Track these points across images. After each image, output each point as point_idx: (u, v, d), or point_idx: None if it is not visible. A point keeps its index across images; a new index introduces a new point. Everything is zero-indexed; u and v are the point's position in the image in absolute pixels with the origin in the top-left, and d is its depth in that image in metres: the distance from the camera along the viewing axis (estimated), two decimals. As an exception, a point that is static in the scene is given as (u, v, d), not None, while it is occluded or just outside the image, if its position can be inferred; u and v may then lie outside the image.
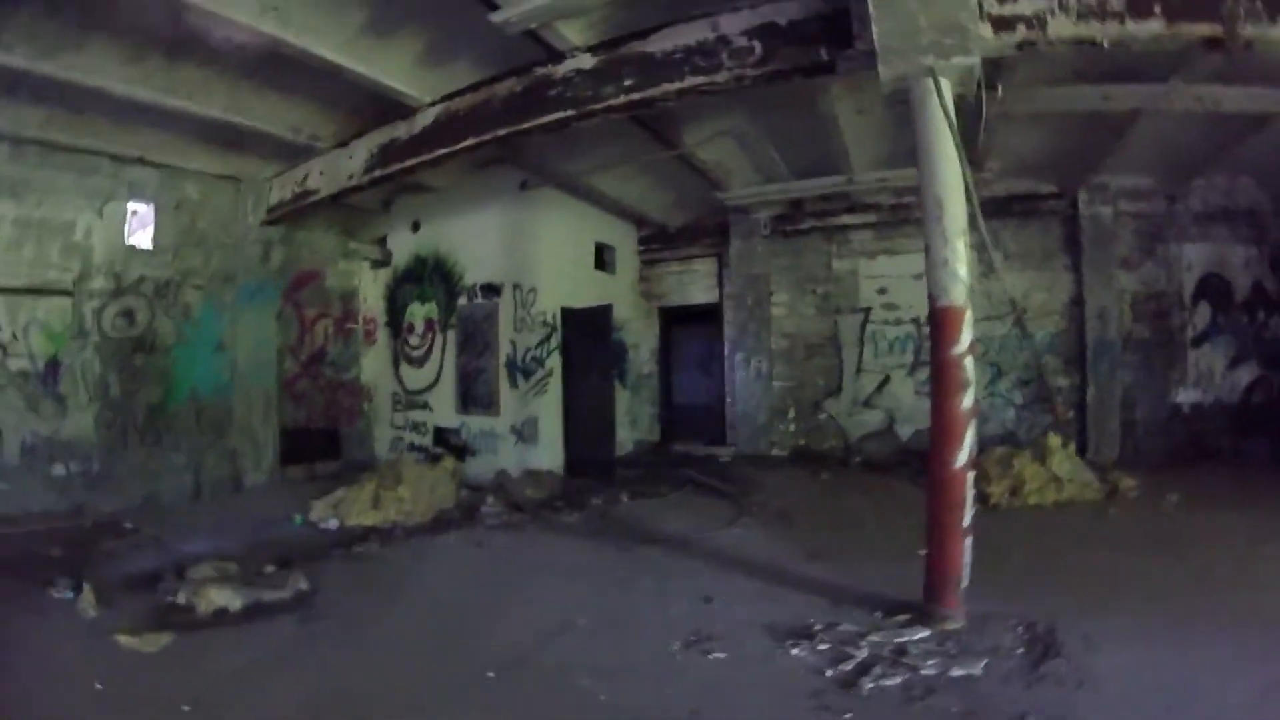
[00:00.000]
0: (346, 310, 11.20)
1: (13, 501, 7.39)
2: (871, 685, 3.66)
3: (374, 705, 3.65)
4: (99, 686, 3.84)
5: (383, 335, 11.43)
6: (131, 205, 8.51)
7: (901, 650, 4.06)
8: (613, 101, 6.07)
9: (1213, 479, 8.49)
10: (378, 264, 11.39)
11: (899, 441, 10.96)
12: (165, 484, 8.63)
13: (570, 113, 6.31)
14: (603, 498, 8.86)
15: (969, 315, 4.56)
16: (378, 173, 7.90)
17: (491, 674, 3.96)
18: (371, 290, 11.51)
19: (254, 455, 9.44)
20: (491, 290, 10.04)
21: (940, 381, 4.62)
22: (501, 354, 9.88)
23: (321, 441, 10.63)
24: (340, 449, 10.93)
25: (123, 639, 4.39)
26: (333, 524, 7.64)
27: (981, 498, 7.11)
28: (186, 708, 3.59)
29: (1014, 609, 4.55)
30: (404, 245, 11.18)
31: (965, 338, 4.52)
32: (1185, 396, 9.95)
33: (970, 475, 4.55)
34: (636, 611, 5.02)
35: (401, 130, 7.62)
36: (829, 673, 3.85)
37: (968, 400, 4.52)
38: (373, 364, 11.49)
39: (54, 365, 7.79)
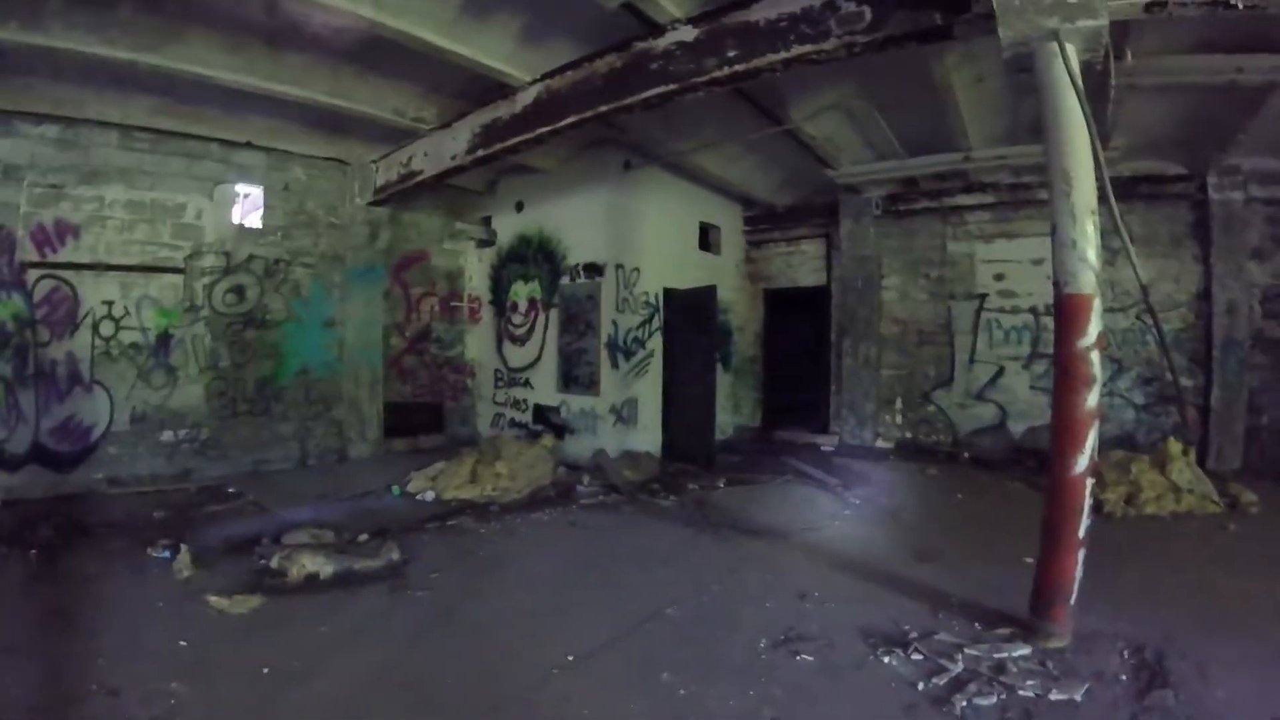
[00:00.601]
0: (452, 289, 11.34)
1: (122, 466, 7.91)
2: (965, 704, 3.47)
3: (448, 687, 3.63)
4: (183, 644, 3.98)
5: (487, 314, 11.53)
6: (240, 187, 8.86)
7: (1000, 667, 3.84)
8: (715, 74, 5.78)
9: None
10: (483, 244, 11.47)
11: (1011, 438, 10.39)
12: (272, 453, 9.03)
13: (672, 87, 6.08)
14: (700, 483, 8.74)
15: (1098, 304, 4.16)
16: (480, 152, 7.86)
17: (571, 658, 3.94)
18: (476, 270, 11.62)
19: (359, 428, 9.71)
20: (594, 270, 9.94)
21: (1063, 377, 4.25)
22: (603, 334, 9.80)
23: (425, 416, 10.86)
24: (444, 424, 11.13)
25: (213, 600, 4.56)
26: (429, 496, 7.77)
27: (1095, 504, 6.62)
28: (266, 670, 3.71)
29: (1123, 628, 4.30)
30: (508, 226, 11.23)
31: (1093, 329, 4.14)
32: (1318, 403, 9.05)
33: (1090, 482, 4.20)
34: (728, 604, 4.89)
35: (503, 110, 7.56)
36: (921, 686, 3.68)
37: (1093, 399, 4.15)
38: (477, 342, 11.63)
39: (165, 338, 8.20)
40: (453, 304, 11.32)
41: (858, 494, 8.25)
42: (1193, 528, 6.84)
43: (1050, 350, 9.80)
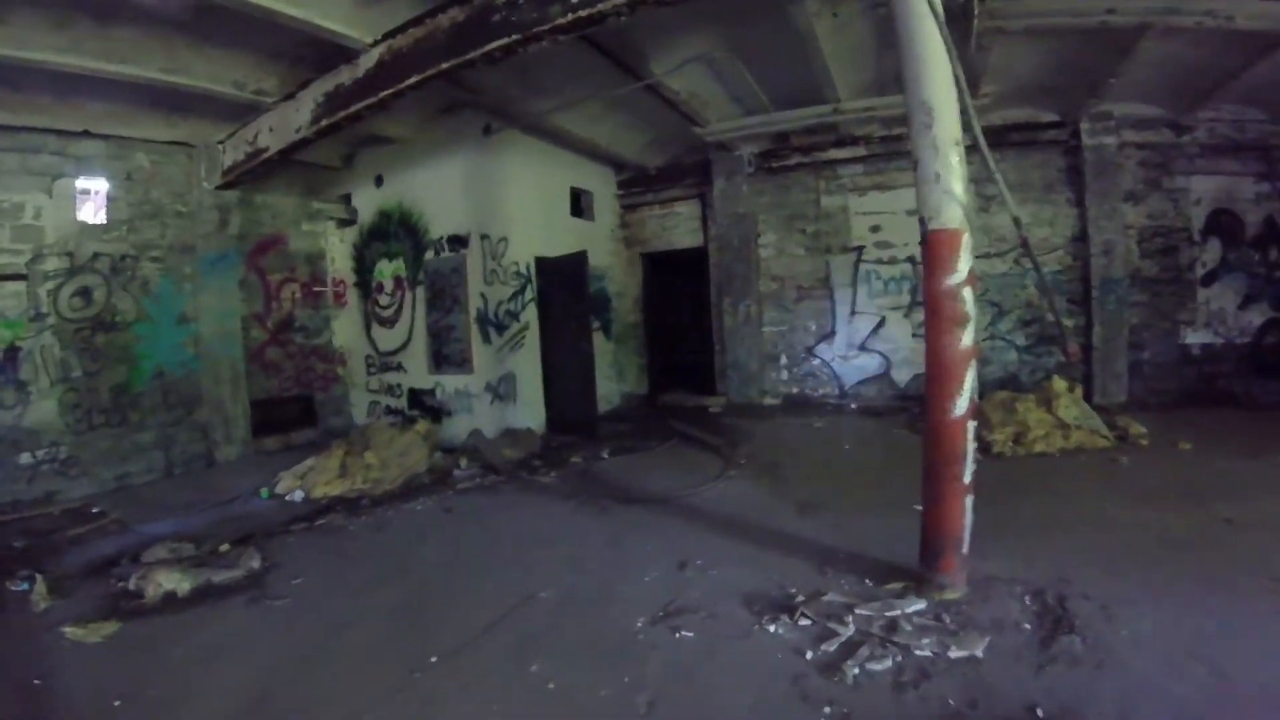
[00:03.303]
0: (314, 273, 11.40)
1: None
2: (857, 670, 3.51)
3: (303, 702, 3.66)
4: (37, 683, 4.01)
5: (353, 296, 11.60)
6: (81, 181, 8.64)
7: (893, 626, 3.90)
8: (559, 21, 5.81)
9: (1226, 424, 8.63)
10: (344, 223, 11.54)
11: (896, 386, 11.35)
12: (135, 465, 8.98)
13: (515, 37, 6.06)
14: (584, 455, 9.18)
15: (967, 239, 4.27)
16: (324, 122, 7.82)
17: (435, 659, 3.98)
18: (339, 251, 11.65)
19: (225, 429, 9.77)
20: (458, 242, 10.08)
21: (935, 317, 4.33)
22: (471, 308, 9.96)
23: (296, 411, 10.97)
24: (316, 417, 11.25)
25: (69, 630, 4.63)
26: (298, 496, 7.92)
27: (982, 446, 7.25)
28: (118, 703, 3.73)
29: (1020, 571, 4.50)
30: (369, 201, 11.28)
31: (963, 265, 4.24)
32: (1195, 337, 10.16)
33: (971, 424, 4.30)
34: (605, 581, 5.01)
35: (345, 76, 7.57)
36: (809, 654, 3.73)
37: (967, 338, 4.25)
38: (345, 327, 11.69)
39: (13, 352, 8.05)
40: (315, 289, 11.38)
41: (742, 452, 8.76)
42: (1084, 462, 7.38)
43: None
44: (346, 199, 11.59)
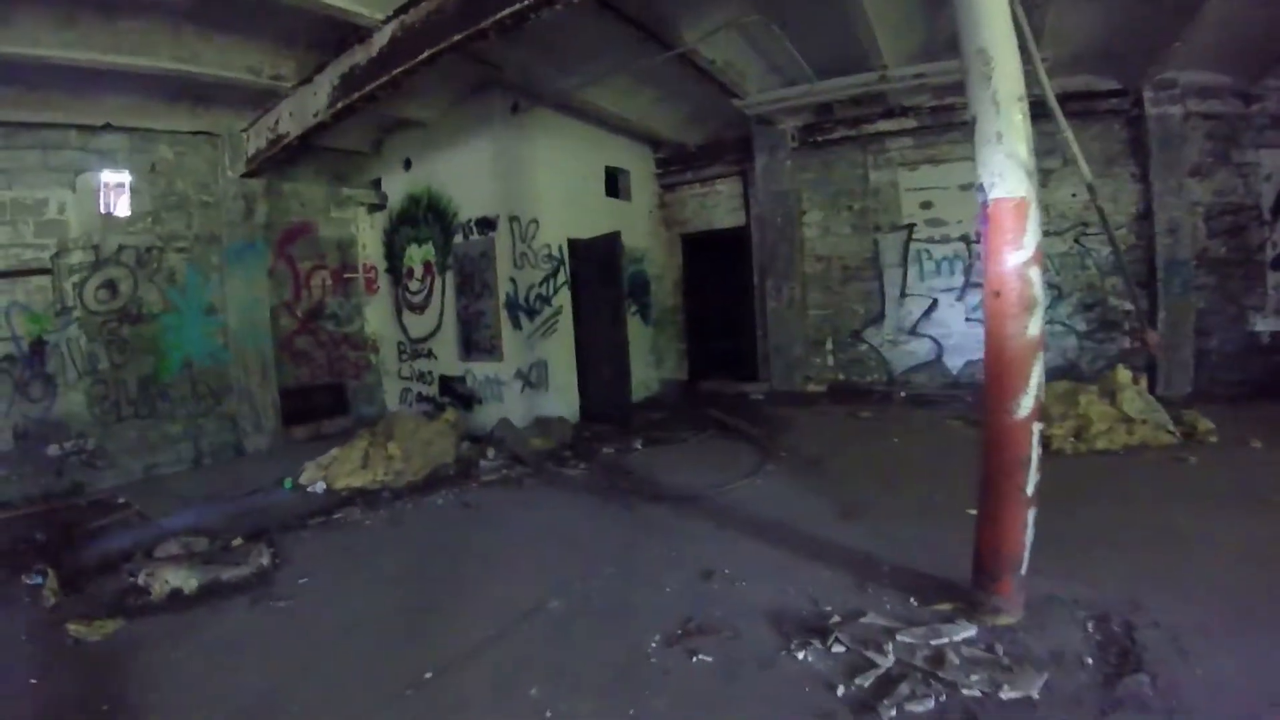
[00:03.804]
0: (344, 260, 11.46)
1: (11, 487, 7.95)
2: (894, 713, 3.12)
3: (290, 716, 3.56)
4: (34, 682, 4.03)
5: (384, 283, 11.65)
6: (104, 174, 8.78)
7: (939, 658, 3.51)
8: None
9: None
10: (374, 208, 11.57)
11: (949, 374, 10.97)
12: (163, 456, 9.13)
13: (526, 3, 5.79)
14: (615, 446, 9.01)
15: (1034, 210, 3.80)
16: (340, 104, 7.76)
17: (430, 675, 3.79)
18: (370, 237, 11.69)
19: (254, 419, 9.88)
20: (486, 225, 9.92)
21: (996, 301, 3.85)
22: (501, 293, 9.79)
23: (327, 399, 11.07)
24: (348, 405, 11.35)
25: (72, 627, 4.65)
26: (320, 488, 7.90)
27: (1041, 441, 6.86)
28: (105, 706, 3.70)
29: (1082, 591, 4.10)
30: (398, 186, 11.30)
31: (1029, 240, 3.77)
32: (1265, 325, 9.57)
33: (1037, 427, 3.84)
34: (622, 591, 4.75)
35: (360, 56, 7.47)
36: (841, 690, 3.36)
37: (1034, 325, 3.79)
38: (377, 314, 11.75)
39: (39, 345, 8.23)
40: (346, 276, 11.44)
41: (782, 444, 8.48)
42: (1149, 461, 6.92)
43: (984, 280, 10.46)
44: (376, 184, 11.62)
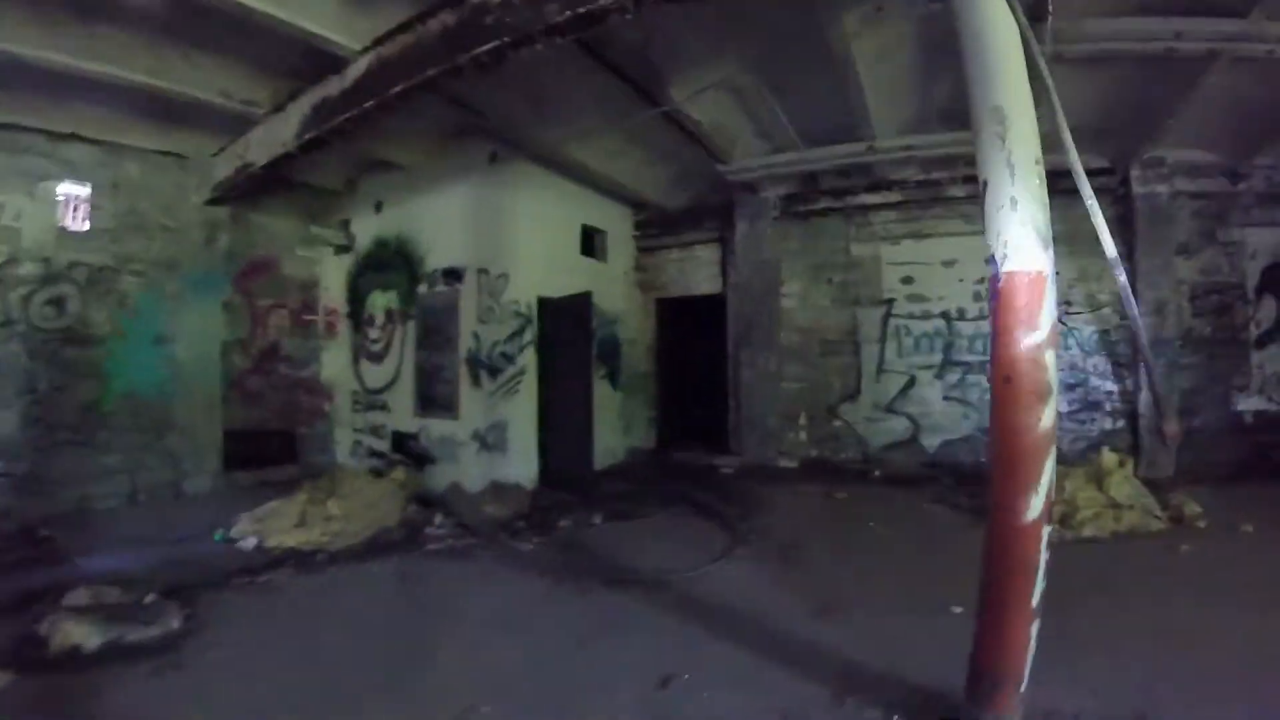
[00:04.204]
0: (305, 300, 11.51)
1: None
2: None
3: None
4: None
5: (345, 328, 11.65)
6: (65, 185, 8.83)
7: None
8: (555, 19, 5.59)
9: None
10: (341, 249, 11.65)
11: (925, 453, 11.06)
12: (99, 488, 8.97)
13: (505, 40, 5.88)
14: (574, 518, 8.85)
15: (1051, 286, 3.61)
16: (308, 136, 7.86)
17: None
18: (334, 279, 11.73)
19: (195, 459, 9.80)
20: (453, 275, 9.96)
21: (1007, 387, 3.60)
22: (462, 348, 9.80)
23: (276, 445, 10.97)
24: (297, 453, 11.25)
25: None
26: (251, 543, 7.63)
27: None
28: None
29: (1087, 701, 3.91)
30: (367, 228, 11.46)
31: (1045, 319, 3.55)
32: (1248, 404, 9.90)
33: (1047, 530, 3.61)
34: (566, 697, 4.34)
35: (334, 87, 7.54)
36: None
37: (1048, 416, 3.54)
38: (335, 360, 11.71)
39: None
40: (306, 317, 11.47)
41: (754, 525, 8.35)
42: (1140, 550, 6.89)
43: (964, 358, 10.83)
44: (345, 225, 11.71)
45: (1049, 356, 3.55)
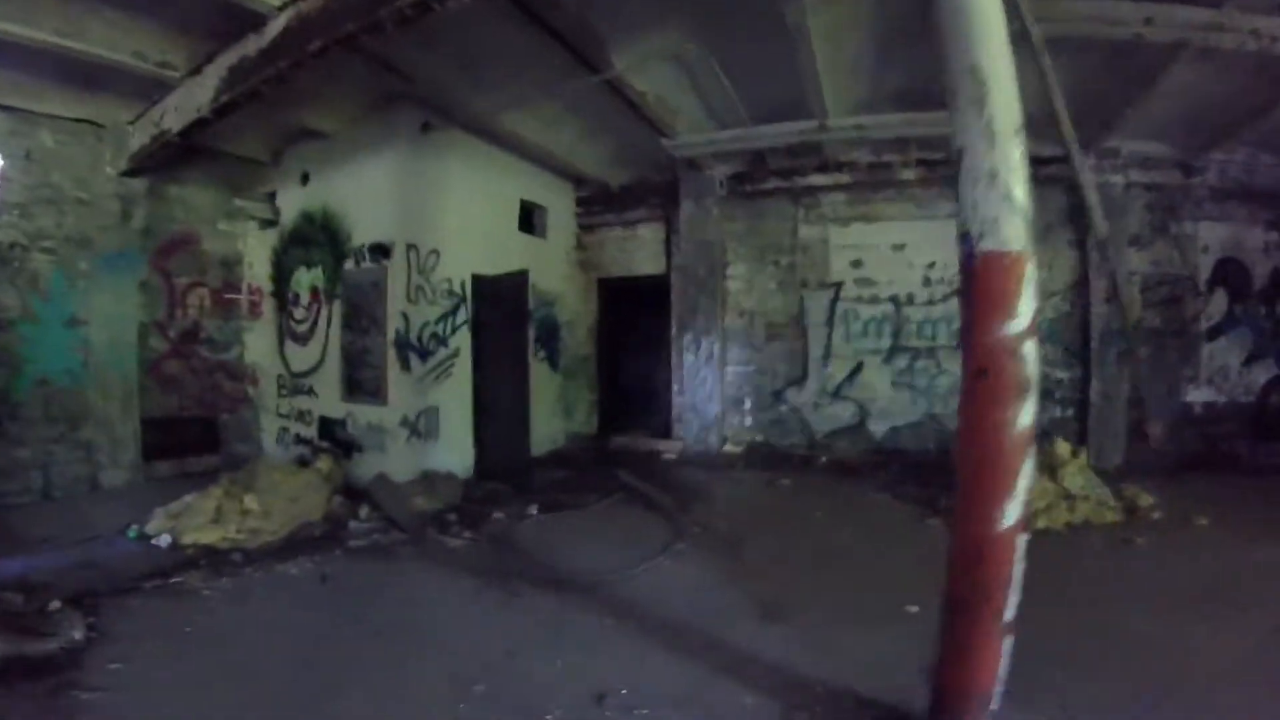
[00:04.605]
0: (227, 279, 11.32)
1: None
2: None
3: None
4: None
5: (269, 308, 11.48)
6: None
7: None
8: None
9: (1235, 493, 8.70)
10: (266, 224, 11.43)
11: (872, 439, 11.41)
12: (11, 484, 8.78)
13: None
14: (509, 511, 8.77)
15: (1031, 268, 3.41)
16: (225, 98, 7.74)
17: None
18: (258, 255, 11.49)
19: (112, 450, 9.67)
20: (380, 251, 9.65)
21: (980, 381, 3.43)
22: (390, 329, 9.54)
23: (196, 433, 10.84)
24: (220, 441, 11.13)
25: None
26: (165, 541, 7.36)
27: None
28: None
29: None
30: (293, 202, 11.12)
31: (1025, 306, 3.38)
32: (1197, 395, 10.42)
33: (1022, 540, 3.45)
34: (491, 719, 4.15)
35: (251, 46, 7.39)
36: None
37: (1026, 414, 3.39)
38: (258, 342, 11.53)
39: None
40: (228, 296, 11.29)
41: (696, 516, 8.43)
42: (1095, 543, 7.11)
43: (913, 344, 11.14)
44: (271, 197, 11.47)
45: (1029, 347, 3.37)
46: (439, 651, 5.03)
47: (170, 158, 9.46)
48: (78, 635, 5.11)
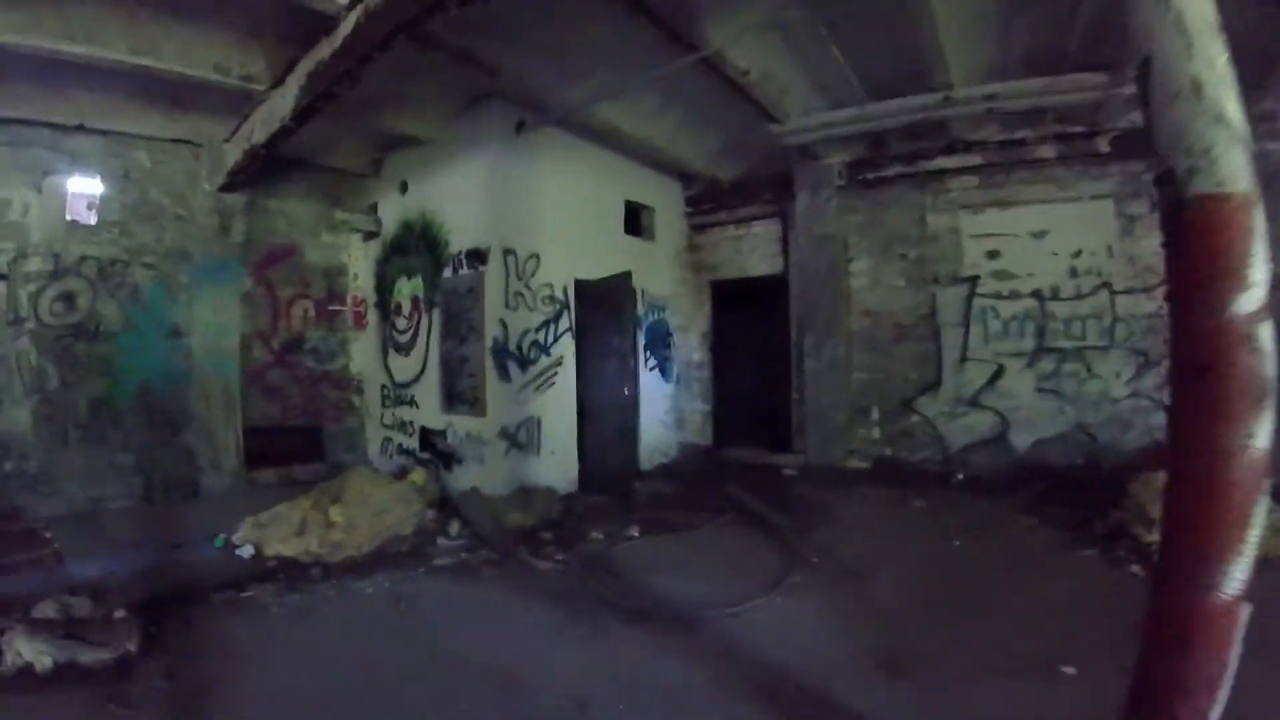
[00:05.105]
0: (331, 289, 11.68)
1: None
2: None
3: None
4: None
5: (373, 318, 11.74)
6: (73, 178, 9.15)
7: None
8: None
9: None
10: (369, 235, 11.74)
11: (1014, 453, 10.55)
12: (113, 487, 9.28)
13: None
14: (607, 530, 8.53)
15: (1260, 215, 2.56)
16: (303, 104, 7.85)
17: None
18: (362, 266, 11.82)
19: (213, 456, 10.03)
20: (476, 258, 9.67)
21: (1198, 385, 2.62)
22: (487, 337, 9.48)
23: (301, 441, 11.17)
24: (324, 450, 11.45)
25: None
26: (248, 551, 7.52)
27: (1141, 553, 6.49)
28: None
29: None
30: (393, 211, 11.45)
31: (1258, 271, 2.51)
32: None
33: (1246, 611, 2.60)
34: None
35: (325, 49, 7.42)
36: None
37: (1264, 433, 2.52)
38: (363, 352, 11.85)
39: None
40: (332, 307, 11.64)
41: (815, 541, 7.89)
42: None
43: (1059, 344, 10.37)
44: (373, 209, 11.77)
45: (1265, 332, 2.48)
46: (500, 695, 4.63)
47: (265, 171, 9.75)
48: (131, 646, 5.16)
